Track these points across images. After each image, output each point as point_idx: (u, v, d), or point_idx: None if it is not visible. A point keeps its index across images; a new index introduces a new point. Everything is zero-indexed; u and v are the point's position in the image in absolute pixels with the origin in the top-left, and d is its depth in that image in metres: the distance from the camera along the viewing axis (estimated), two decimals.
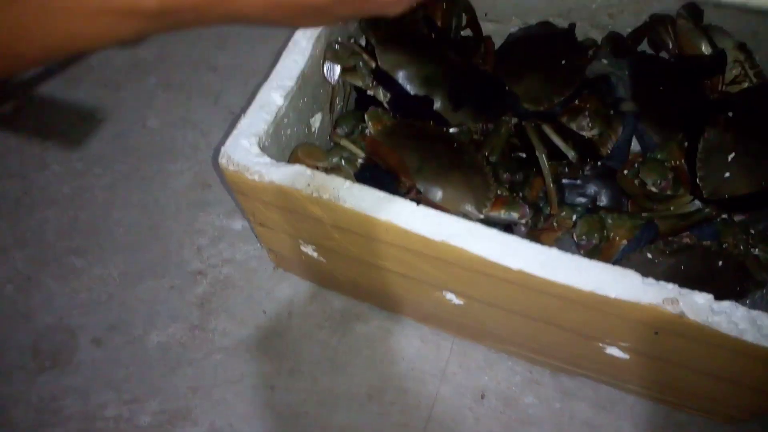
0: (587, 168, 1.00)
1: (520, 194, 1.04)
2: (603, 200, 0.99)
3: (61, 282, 1.14)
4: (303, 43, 0.95)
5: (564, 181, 1.00)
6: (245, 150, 0.85)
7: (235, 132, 0.87)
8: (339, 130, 1.06)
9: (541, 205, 0.99)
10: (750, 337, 0.68)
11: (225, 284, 1.13)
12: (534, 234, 0.95)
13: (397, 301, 1.03)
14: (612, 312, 0.74)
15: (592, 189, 0.99)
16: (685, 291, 0.71)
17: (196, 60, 1.42)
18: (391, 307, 1.07)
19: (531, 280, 0.74)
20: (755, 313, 0.69)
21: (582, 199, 1.00)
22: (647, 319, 0.72)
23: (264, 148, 0.87)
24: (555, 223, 0.96)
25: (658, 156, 0.85)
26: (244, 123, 0.87)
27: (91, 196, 1.24)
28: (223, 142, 0.85)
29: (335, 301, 1.10)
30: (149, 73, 1.41)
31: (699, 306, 0.70)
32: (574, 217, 0.96)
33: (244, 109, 0.89)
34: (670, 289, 0.71)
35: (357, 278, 1.00)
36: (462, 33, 1.16)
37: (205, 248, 1.17)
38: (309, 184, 0.81)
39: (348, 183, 0.80)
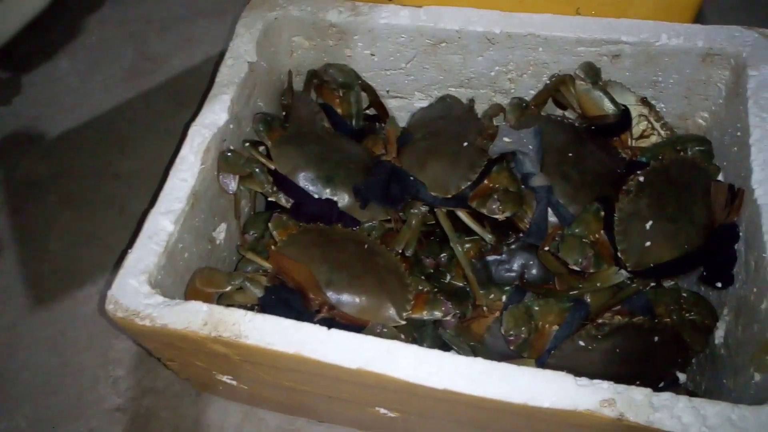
0: (511, 241, 0.96)
1: (447, 276, 1.00)
2: (532, 273, 0.94)
3: None
4: (191, 158, 0.88)
5: (488, 258, 0.95)
6: (134, 291, 0.77)
7: (121, 271, 0.79)
8: (248, 236, 0.99)
9: (468, 289, 0.93)
10: (695, 431, 0.63)
11: (148, 418, 1.03)
12: (464, 324, 0.89)
13: (333, 415, 0.96)
14: (550, 419, 0.68)
15: (518, 263, 0.94)
16: (622, 388, 0.66)
17: (97, 169, 1.34)
18: (329, 419, 0.99)
19: (459, 397, 0.68)
20: (698, 401, 0.64)
21: (511, 274, 0.95)
22: (587, 424, 0.66)
23: (156, 284, 0.79)
24: (485, 308, 0.90)
25: (576, 231, 0.81)
26: (132, 259, 0.79)
27: None
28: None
29: (269, 418, 1.01)
30: (48, 190, 1.32)
31: (638, 403, 0.65)
32: (504, 298, 0.91)
33: (130, 242, 0.82)
34: (605, 388, 0.66)
35: (284, 400, 0.92)
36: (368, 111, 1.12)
37: (122, 379, 1.07)
38: (206, 323, 0.73)
39: (249, 315, 0.73)
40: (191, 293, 0.82)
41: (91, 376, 1.08)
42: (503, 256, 0.95)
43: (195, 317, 0.73)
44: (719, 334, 0.82)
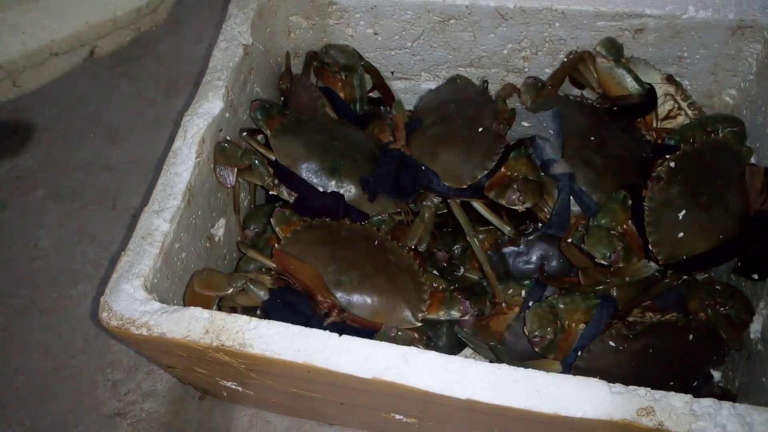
0: (529, 230, 0.90)
1: (461, 269, 0.94)
2: (551, 265, 0.88)
3: None
4: (185, 151, 0.82)
5: (505, 250, 0.90)
6: (128, 297, 0.71)
7: (114, 275, 0.73)
8: (249, 231, 0.93)
9: (484, 283, 0.88)
10: None
11: (149, 423, 0.98)
12: (483, 322, 0.84)
13: (344, 418, 0.91)
14: (581, 429, 0.63)
15: (537, 254, 0.89)
16: (660, 395, 0.61)
17: (87, 161, 1.27)
18: (340, 422, 0.94)
19: (483, 406, 0.63)
20: (743, 408, 0.60)
21: (529, 266, 0.89)
22: None
23: (153, 288, 0.73)
24: (504, 304, 0.85)
25: (602, 222, 0.76)
26: (125, 262, 0.74)
27: None
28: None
29: (277, 422, 0.96)
30: (36, 184, 1.25)
31: (678, 411, 0.60)
32: (523, 293, 0.85)
33: (123, 244, 0.76)
34: (642, 396, 0.61)
35: (293, 404, 0.87)
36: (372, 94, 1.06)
37: (121, 383, 1.02)
38: (207, 331, 0.68)
39: (254, 321, 0.68)
40: (190, 297, 0.77)
41: (89, 380, 1.03)
42: (521, 247, 0.89)
43: (195, 324, 0.68)
44: (755, 329, 0.77)
